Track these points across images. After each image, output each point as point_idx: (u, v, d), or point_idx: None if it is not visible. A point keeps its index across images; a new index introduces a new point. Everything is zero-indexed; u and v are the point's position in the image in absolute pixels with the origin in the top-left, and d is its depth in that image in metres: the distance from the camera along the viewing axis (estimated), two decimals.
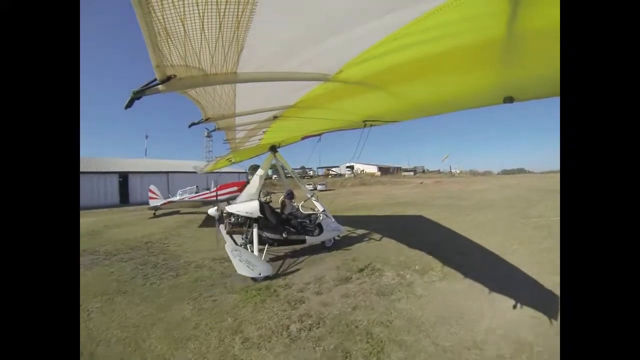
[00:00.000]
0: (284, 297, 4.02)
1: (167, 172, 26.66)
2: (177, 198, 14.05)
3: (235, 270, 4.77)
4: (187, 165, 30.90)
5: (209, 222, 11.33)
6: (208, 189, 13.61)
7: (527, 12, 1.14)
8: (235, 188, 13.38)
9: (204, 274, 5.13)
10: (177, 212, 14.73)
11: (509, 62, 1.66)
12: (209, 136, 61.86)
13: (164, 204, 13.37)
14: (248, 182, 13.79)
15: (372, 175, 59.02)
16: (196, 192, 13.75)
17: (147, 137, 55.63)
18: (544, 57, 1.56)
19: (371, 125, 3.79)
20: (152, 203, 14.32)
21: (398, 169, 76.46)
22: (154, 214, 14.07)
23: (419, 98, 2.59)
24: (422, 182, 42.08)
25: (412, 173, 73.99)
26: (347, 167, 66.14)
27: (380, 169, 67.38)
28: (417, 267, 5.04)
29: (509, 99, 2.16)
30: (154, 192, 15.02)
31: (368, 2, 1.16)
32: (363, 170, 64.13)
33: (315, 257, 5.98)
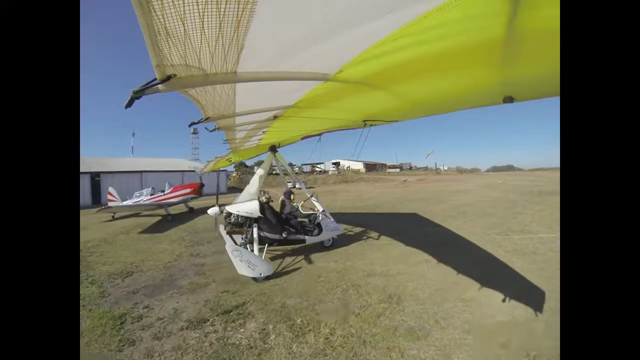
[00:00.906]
0: (123, 333, 3.53)
1: (141, 172, 24.97)
2: (132, 201, 13.59)
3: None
4: (164, 163, 29.64)
5: (155, 227, 10.94)
6: (162, 191, 13.26)
7: (527, 12, 1.14)
8: (188, 190, 13.23)
9: (87, 292, 4.87)
10: (137, 215, 14.23)
11: (509, 62, 1.66)
12: (194, 133, 61.27)
13: (100, 210, 12.62)
14: (202, 184, 13.49)
15: (357, 172, 57.30)
16: (151, 195, 13.23)
17: (134, 134, 54.18)
18: (544, 57, 1.56)
19: (371, 125, 3.79)
20: (110, 205, 13.76)
21: (383, 166, 74.08)
22: (113, 216, 13.61)
23: (419, 98, 2.59)
24: (405, 180, 40.57)
25: (398, 170, 72.21)
26: (333, 163, 64.45)
27: (366, 165, 65.94)
28: (299, 320, 3.59)
29: (508, 99, 2.15)
30: (112, 195, 14.66)
31: (368, 2, 1.16)
32: (349, 167, 62.84)
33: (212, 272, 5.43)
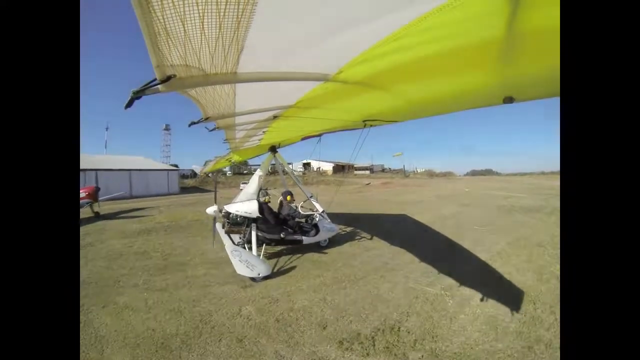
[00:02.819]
0: None
1: (85, 170, 22.34)
2: None
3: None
4: (117, 160, 27.30)
5: None
6: None
7: (527, 12, 1.14)
8: (83, 194, 12.29)
9: None
10: None
11: (509, 62, 1.66)
12: (167, 129, 58.92)
13: None
14: (98, 188, 12.84)
15: (323, 173, 55.98)
16: None
17: (107, 128, 48.20)
18: (544, 57, 1.56)
19: (371, 126, 3.79)
20: None
21: (350, 167, 69.93)
22: None
23: (419, 98, 2.59)
24: (368, 184, 38.36)
25: (368, 172, 69.21)
26: (304, 164, 62.63)
27: (335, 167, 63.75)
28: None
29: (508, 99, 2.15)
30: None
31: (368, 2, 1.16)
32: (319, 168, 61.25)
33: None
